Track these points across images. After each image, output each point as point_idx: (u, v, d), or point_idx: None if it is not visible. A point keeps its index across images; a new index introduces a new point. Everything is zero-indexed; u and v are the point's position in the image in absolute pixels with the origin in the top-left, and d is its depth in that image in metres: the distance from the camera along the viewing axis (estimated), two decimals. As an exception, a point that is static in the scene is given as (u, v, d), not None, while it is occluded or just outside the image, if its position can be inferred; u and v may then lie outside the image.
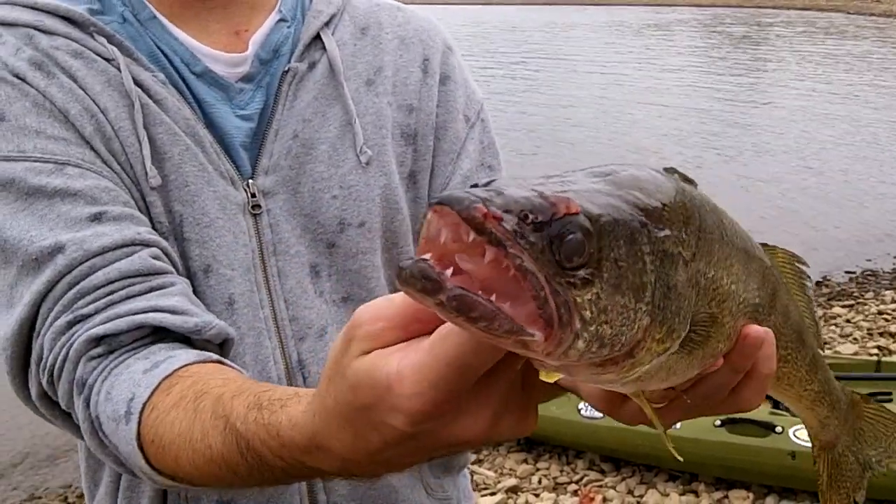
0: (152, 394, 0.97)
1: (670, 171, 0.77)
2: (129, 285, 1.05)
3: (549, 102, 20.30)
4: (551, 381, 0.76)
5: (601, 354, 0.63)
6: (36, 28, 1.15)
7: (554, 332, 0.60)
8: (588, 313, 0.61)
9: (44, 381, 1.06)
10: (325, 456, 0.80)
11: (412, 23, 1.36)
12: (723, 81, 23.77)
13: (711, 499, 4.79)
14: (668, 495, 4.85)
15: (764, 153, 15.46)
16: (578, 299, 0.61)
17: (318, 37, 1.26)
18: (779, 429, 4.59)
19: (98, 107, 1.12)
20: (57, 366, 1.05)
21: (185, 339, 1.07)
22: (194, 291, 1.14)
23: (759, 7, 49.74)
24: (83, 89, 1.12)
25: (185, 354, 1.03)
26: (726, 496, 4.79)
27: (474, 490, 4.98)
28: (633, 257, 0.64)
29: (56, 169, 1.08)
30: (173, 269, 1.10)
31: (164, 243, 1.11)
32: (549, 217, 0.60)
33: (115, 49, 1.15)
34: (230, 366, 1.06)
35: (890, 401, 4.96)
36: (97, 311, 1.04)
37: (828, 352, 6.59)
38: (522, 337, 0.59)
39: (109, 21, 1.19)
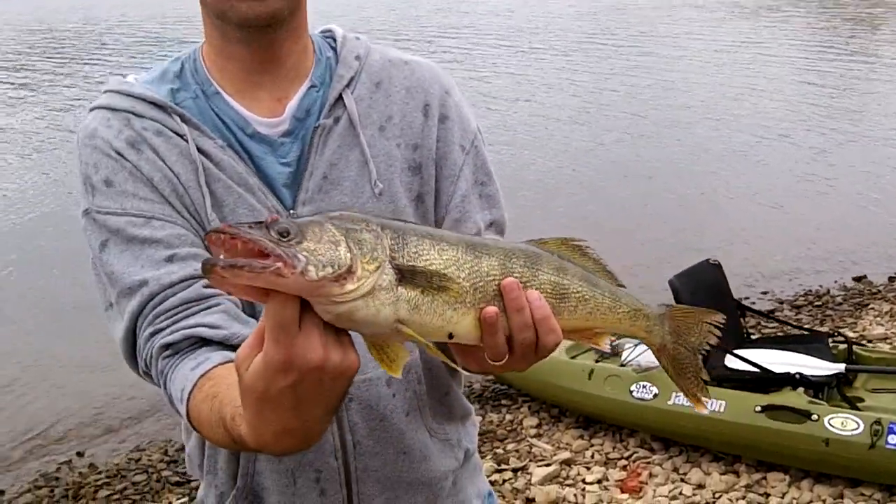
0: (193, 387, 1.41)
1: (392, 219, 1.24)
2: (186, 308, 1.49)
3: (659, 84, 20.31)
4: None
5: (328, 272, 1.06)
6: (132, 112, 1.58)
7: (287, 260, 1.04)
8: (306, 254, 1.06)
9: (142, 367, 1.54)
10: (264, 442, 1.19)
11: (416, 74, 1.72)
12: (838, 65, 23.33)
13: (751, 479, 5.09)
14: (710, 474, 5.18)
15: (860, 138, 15.24)
16: (297, 248, 1.06)
17: (340, 97, 1.65)
18: (814, 416, 4.86)
19: (173, 172, 1.55)
20: (148, 360, 1.52)
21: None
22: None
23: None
24: (162, 160, 1.56)
25: (218, 356, 1.45)
26: (765, 478, 5.09)
27: (531, 461, 5.40)
28: (325, 231, 1.10)
29: (145, 222, 1.52)
30: (222, 292, 1.51)
31: None
32: (266, 222, 1.07)
33: (185, 126, 1.58)
34: None
35: (931, 393, 5.20)
36: (167, 326, 1.49)
37: (886, 346, 6.77)
38: (272, 268, 1.03)
39: (185, 98, 1.62)
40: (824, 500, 4.87)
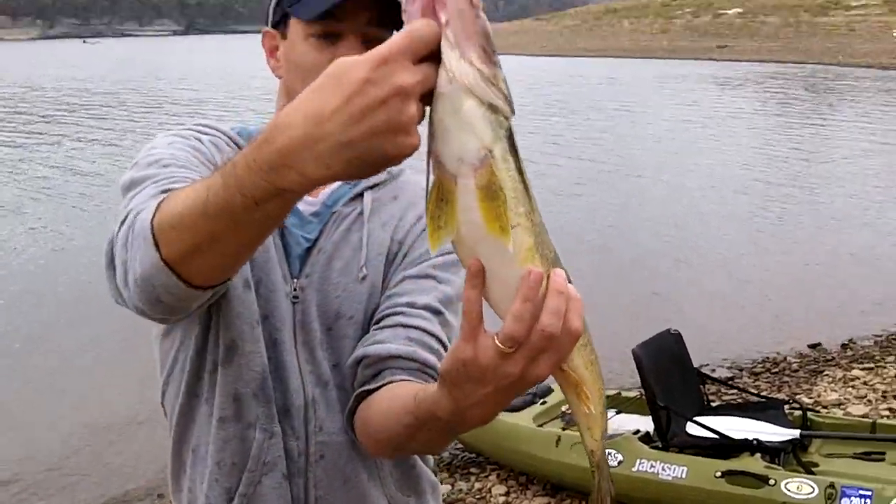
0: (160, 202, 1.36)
1: None
2: None
3: (617, 150, 20.76)
4: None
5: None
6: (218, 137, 1.76)
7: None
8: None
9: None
10: (283, 133, 1.06)
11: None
12: (787, 135, 24.04)
13: (715, 544, 5.28)
14: (676, 539, 5.36)
15: (816, 207, 15.82)
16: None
17: (362, 193, 1.83)
18: (772, 481, 5.06)
19: None
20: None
21: None
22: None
23: (822, 63, 49.55)
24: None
25: None
26: (728, 542, 5.28)
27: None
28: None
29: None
30: None
31: None
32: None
33: None
34: None
35: (883, 460, 5.43)
36: None
37: (839, 412, 7.03)
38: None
39: None
40: (783, 563, 5.04)
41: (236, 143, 1.78)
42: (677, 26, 75.13)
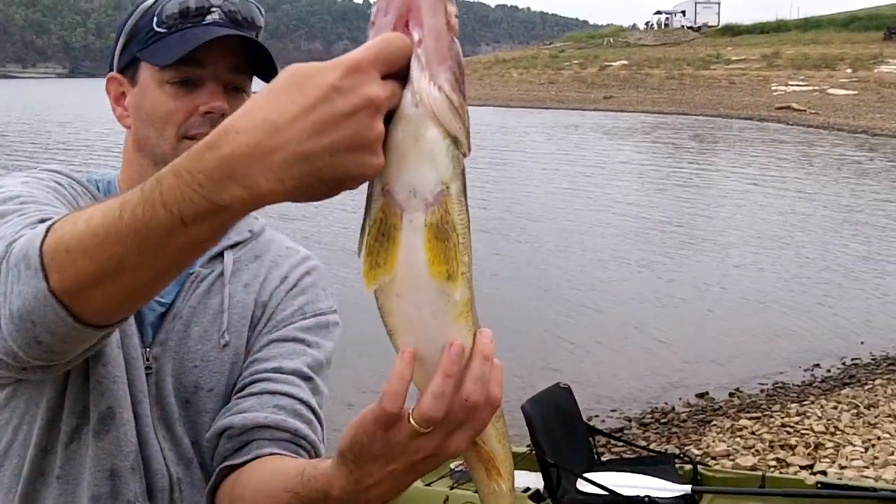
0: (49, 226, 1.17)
1: None
2: None
3: (503, 199, 20.92)
4: None
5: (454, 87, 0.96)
6: (74, 186, 1.57)
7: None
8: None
9: None
10: (230, 140, 0.93)
11: (291, 256, 1.76)
12: (680, 183, 24.65)
13: None
14: None
15: (710, 255, 16.14)
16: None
17: (222, 253, 1.67)
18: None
19: None
20: None
21: None
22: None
23: (705, 115, 51.37)
24: None
25: None
26: None
27: None
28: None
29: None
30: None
31: None
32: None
33: None
34: None
35: (771, 514, 5.42)
36: None
37: (728, 463, 7.01)
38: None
39: None
40: None
41: (91, 193, 1.61)
42: (565, 77, 76.77)
